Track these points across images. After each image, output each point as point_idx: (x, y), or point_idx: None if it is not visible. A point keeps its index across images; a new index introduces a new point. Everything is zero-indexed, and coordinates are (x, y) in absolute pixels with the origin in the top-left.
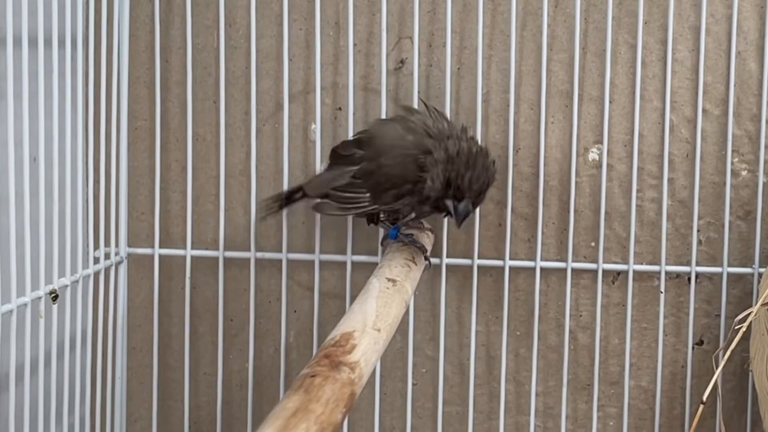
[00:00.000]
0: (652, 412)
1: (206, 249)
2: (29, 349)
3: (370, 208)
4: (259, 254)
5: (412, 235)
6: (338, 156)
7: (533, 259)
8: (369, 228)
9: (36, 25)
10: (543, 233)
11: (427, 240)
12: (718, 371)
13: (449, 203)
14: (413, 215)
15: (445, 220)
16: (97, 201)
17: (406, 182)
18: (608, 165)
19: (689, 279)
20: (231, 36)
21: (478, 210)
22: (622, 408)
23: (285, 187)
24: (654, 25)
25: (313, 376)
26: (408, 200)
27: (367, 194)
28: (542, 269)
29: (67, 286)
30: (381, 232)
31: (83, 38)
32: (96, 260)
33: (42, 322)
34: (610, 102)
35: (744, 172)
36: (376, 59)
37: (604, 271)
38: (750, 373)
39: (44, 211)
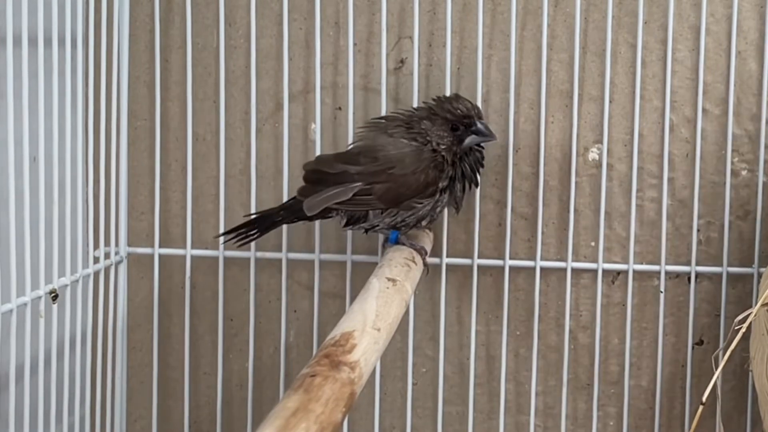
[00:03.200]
0: (652, 411)
1: (206, 249)
2: (29, 349)
3: (385, 214)
4: (259, 254)
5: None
6: (322, 174)
7: (533, 258)
8: None
9: (36, 25)
10: (543, 233)
11: (427, 240)
12: (718, 371)
13: (471, 135)
14: (429, 217)
15: (445, 220)
16: (97, 201)
17: (428, 186)
18: (608, 165)
19: (689, 279)
20: (231, 36)
21: (477, 210)
22: (622, 408)
23: (284, 187)
24: (654, 25)
25: (313, 375)
26: (443, 195)
27: (380, 205)
28: (542, 269)
29: (67, 285)
30: (381, 235)
31: (83, 38)
32: (96, 260)
33: (42, 321)
34: (610, 102)
35: (744, 172)
36: (376, 59)
37: (604, 271)
38: (750, 373)
39: (44, 211)
